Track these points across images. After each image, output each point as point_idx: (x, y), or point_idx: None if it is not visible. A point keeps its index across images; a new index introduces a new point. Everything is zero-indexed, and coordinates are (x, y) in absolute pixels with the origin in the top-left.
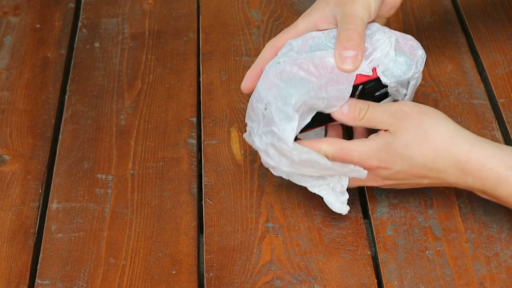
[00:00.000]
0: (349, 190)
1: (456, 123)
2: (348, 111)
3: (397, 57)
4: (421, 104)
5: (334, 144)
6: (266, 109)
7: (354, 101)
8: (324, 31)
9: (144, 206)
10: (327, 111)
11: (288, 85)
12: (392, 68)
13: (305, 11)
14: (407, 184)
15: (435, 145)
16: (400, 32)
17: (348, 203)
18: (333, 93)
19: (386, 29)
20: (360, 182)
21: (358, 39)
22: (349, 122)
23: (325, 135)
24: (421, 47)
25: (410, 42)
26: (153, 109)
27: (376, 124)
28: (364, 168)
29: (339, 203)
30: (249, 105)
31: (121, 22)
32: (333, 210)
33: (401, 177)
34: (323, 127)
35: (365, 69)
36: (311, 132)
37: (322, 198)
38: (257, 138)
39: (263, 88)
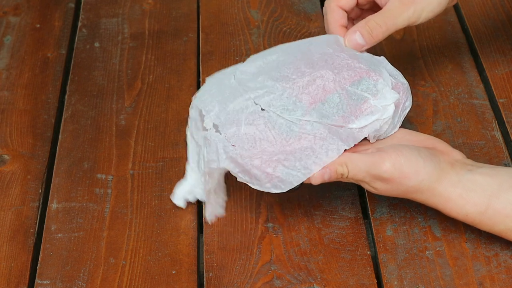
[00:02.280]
0: (349, 190)
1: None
2: (329, 176)
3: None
4: (401, 158)
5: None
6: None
7: (334, 166)
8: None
9: (144, 206)
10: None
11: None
12: (382, 130)
13: (305, 11)
14: None
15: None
16: (391, 69)
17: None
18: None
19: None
20: None
21: (377, 39)
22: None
23: None
24: (406, 82)
25: (401, 81)
26: (153, 109)
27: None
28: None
29: (181, 194)
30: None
31: (121, 22)
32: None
33: None
34: None
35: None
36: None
37: (322, 198)
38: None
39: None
